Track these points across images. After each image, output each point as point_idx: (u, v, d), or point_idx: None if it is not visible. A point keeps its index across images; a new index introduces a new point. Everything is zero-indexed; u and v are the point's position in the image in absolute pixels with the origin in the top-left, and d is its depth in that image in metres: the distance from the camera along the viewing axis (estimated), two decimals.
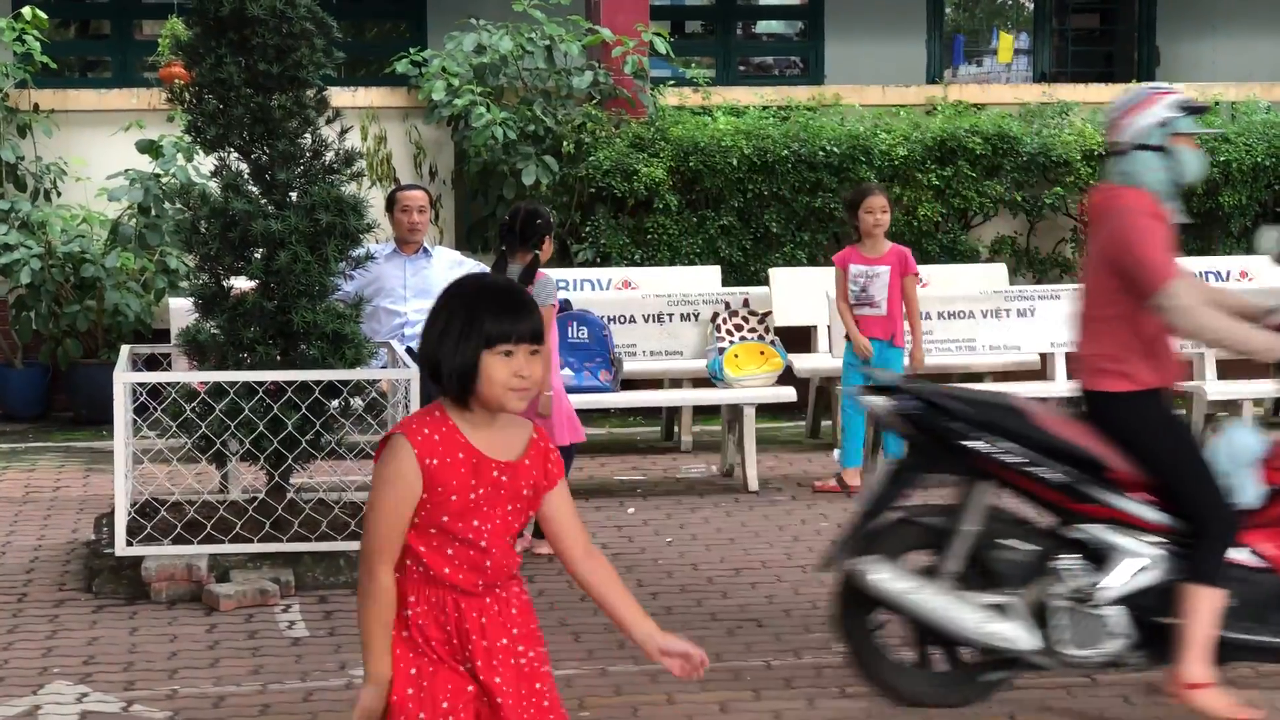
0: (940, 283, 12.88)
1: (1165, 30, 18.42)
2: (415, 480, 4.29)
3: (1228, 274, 13.39)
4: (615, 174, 13.51)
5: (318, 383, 8.73)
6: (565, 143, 13.52)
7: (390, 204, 11.28)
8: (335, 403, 8.84)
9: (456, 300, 4.34)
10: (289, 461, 8.95)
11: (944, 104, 14.53)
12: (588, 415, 12.93)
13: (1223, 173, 14.12)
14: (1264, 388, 12.35)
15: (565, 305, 11.39)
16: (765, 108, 14.32)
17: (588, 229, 13.61)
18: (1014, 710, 6.95)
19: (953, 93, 14.86)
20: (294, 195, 8.99)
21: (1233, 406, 11.26)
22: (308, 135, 9.05)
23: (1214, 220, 14.29)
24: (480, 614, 4.45)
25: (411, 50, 14.03)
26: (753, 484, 11.08)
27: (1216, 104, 14.71)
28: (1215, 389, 11.41)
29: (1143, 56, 18.66)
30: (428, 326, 4.38)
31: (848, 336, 10.69)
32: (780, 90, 14.93)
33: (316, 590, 8.73)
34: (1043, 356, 12.19)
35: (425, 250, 11.30)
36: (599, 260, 13.48)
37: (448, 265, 11.30)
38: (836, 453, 10.86)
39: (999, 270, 13.47)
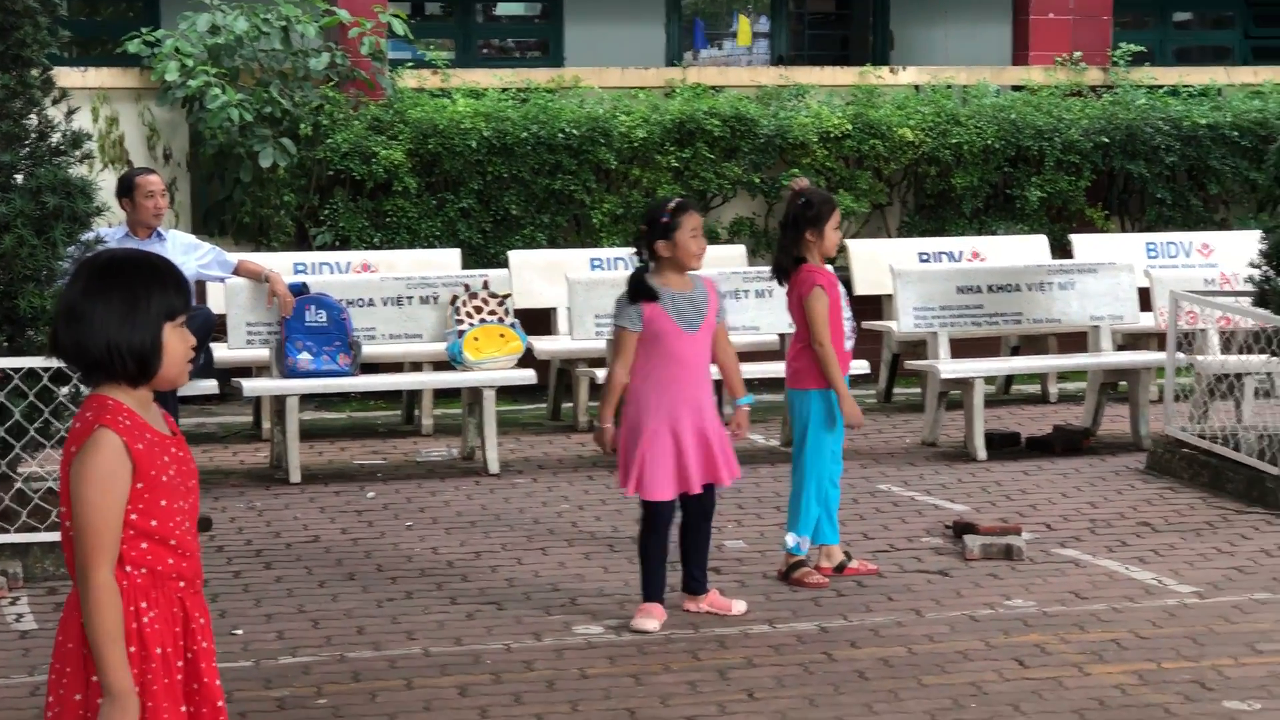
0: None
1: (899, 15, 18.70)
2: (128, 470, 4.17)
3: (960, 254, 13.63)
4: (354, 156, 13.38)
5: (46, 369, 8.54)
6: (303, 125, 13.35)
7: (126, 188, 11.10)
8: (64, 390, 8.65)
9: (109, 279, 4.18)
10: (16, 450, 8.74)
11: (682, 86, 14.60)
12: (327, 399, 12.84)
13: (955, 155, 14.36)
14: (995, 365, 12.61)
15: (303, 289, 11.27)
16: (505, 90, 14.27)
17: (326, 212, 13.46)
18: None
19: (691, 75, 14.94)
20: (19, 178, 8.78)
21: (965, 385, 11.46)
22: (33, 116, 8.85)
23: (947, 202, 14.54)
24: (200, 614, 4.34)
25: (144, 30, 13.75)
26: (493, 467, 11.06)
27: (949, 87, 14.96)
28: (948, 368, 11.61)
29: (877, 41, 18.92)
30: (80, 311, 4.16)
31: (830, 382, 8.62)
32: (519, 72, 14.90)
33: (46, 582, 8.54)
34: (781, 337, 12.30)
35: (159, 234, 11.15)
36: (337, 243, 13.34)
37: (182, 249, 11.14)
38: (795, 539, 8.67)
39: (738, 251, 13.57)
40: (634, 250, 8.01)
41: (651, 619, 7.88)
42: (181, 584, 4.29)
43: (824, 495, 8.67)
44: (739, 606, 8.10)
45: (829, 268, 8.97)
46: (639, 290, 7.85)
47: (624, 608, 8.13)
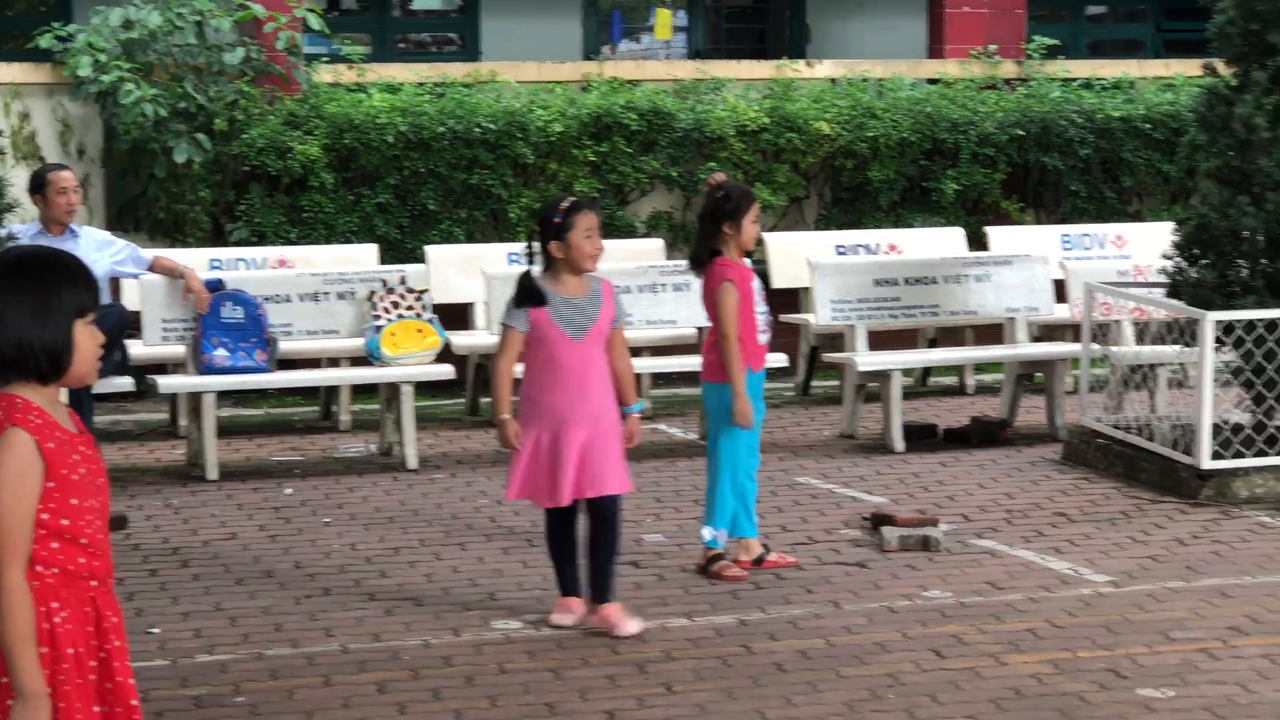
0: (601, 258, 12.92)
1: (815, 9, 18.72)
2: (39, 470, 4.14)
3: (877, 247, 13.68)
4: (269, 152, 13.32)
5: None
6: (218, 120, 13.28)
7: (38, 185, 11.03)
8: None
9: (19, 277, 4.16)
10: None
11: (599, 80, 14.59)
12: (244, 396, 12.77)
13: (871, 148, 14.42)
14: (912, 358, 12.67)
15: (219, 285, 11.21)
16: (421, 85, 14.24)
17: (242, 208, 13.39)
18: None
19: (608, 69, 14.93)
20: None
21: (882, 377, 11.50)
22: None
23: (864, 195, 14.59)
24: (112, 613, 4.32)
25: (56, 25, 13.64)
26: (411, 462, 11.03)
27: (865, 80, 15.02)
28: (865, 360, 11.66)
29: (793, 34, 18.95)
30: None
31: (729, 377, 8.54)
32: (436, 67, 14.85)
33: None
34: (700, 330, 12.32)
35: (72, 230, 11.08)
36: (254, 239, 13.27)
37: (96, 245, 11.07)
38: (711, 532, 8.68)
39: (655, 245, 13.58)
40: (526, 250, 7.77)
41: (569, 614, 7.85)
42: (93, 583, 4.26)
43: (740, 488, 8.69)
44: (630, 627, 7.70)
45: (747, 261, 8.99)
46: (525, 294, 7.69)
47: (543, 603, 8.13)
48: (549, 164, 13.89)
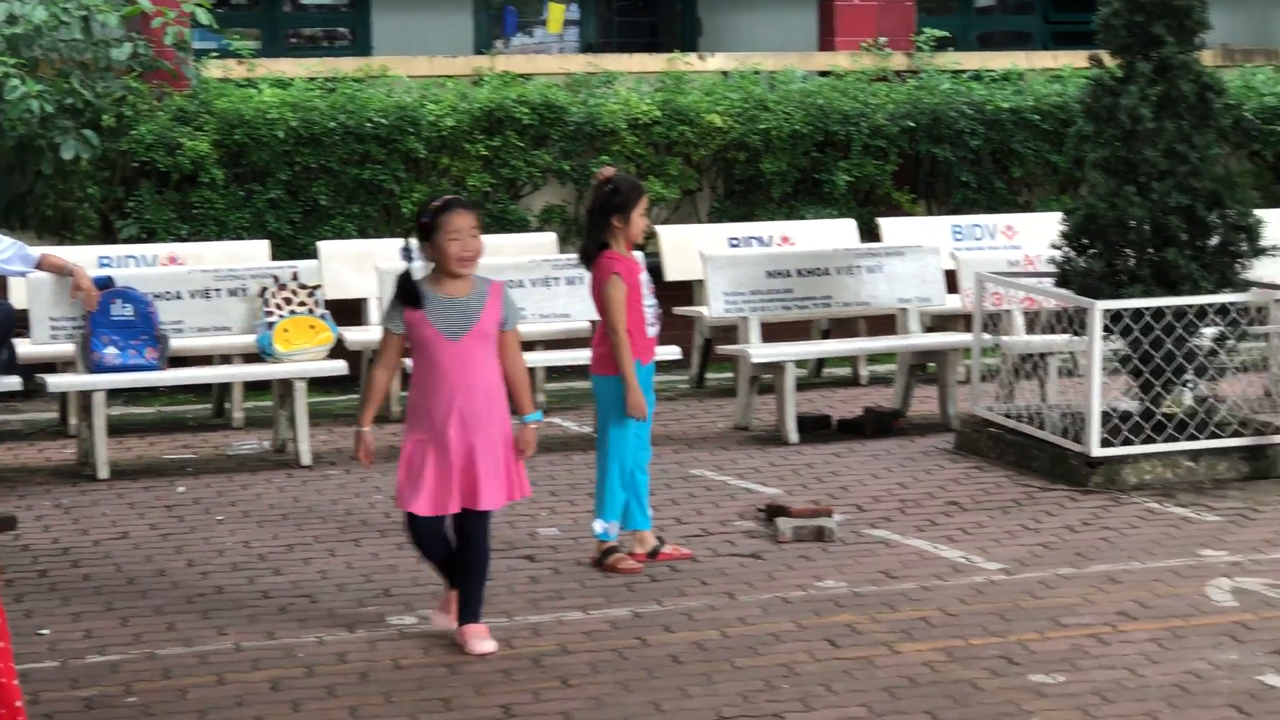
0: (490, 252, 12.82)
1: (706, 2, 18.80)
2: None
3: (770, 239, 13.72)
4: (159, 148, 13.22)
5: None
6: (105, 116, 13.16)
7: None
8: None
9: None
10: None
11: (491, 75, 14.56)
12: (135, 394, 12.67)
13: (763, 141, 14.46)
14: (805, 349, 12.71)
15: (108, 282, 11.11)
16: (312, 79, 14.15)
17: (131, 204, 13.27)
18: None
19: (499, 63, 14.90)
20: None
21: (776, 369, 11.54)
22: None
23: (756, 187, 14.63)
24: None
25: None
26: (305, 459, 10.98)
27: (757, 73, 15.06)
28: (759, 352, 11.69)
29: (685, 27, 19.01)
30: None
31: (620, 370, 8.59)
32: (327, 62, 14.78)
33: None
34: (593, 324, 12.31)
35: None
36: (143, 236, 13.16)
37: None
38: (603, 525, 8.72)
39: (548, 239, 13.57)
40: (402, 249, 7.45)
41: (444, 615, 7.72)
42: None
43: (629, 480, 8.70)
44: (483, 646, 7.44)
45: (638, 254, 9.00)
46: (400, 294, 7.46)
47: (438, 598, 8.11)
48: (441, 158, 13.85)
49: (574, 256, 12.03)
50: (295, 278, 11.47)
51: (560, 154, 14.16)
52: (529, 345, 12.40)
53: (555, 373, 13.21)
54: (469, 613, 7.53)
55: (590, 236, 8.73)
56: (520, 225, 14.05)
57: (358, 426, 7.59)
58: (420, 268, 7.52)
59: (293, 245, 13.34)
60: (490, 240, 13.08)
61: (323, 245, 12.97)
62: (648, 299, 8.71)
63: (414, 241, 7.47)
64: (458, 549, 7.56)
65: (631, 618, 7.91)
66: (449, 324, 7.41)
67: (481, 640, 7.46)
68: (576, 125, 14.14)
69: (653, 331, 8.77)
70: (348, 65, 14.61)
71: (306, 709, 6.81)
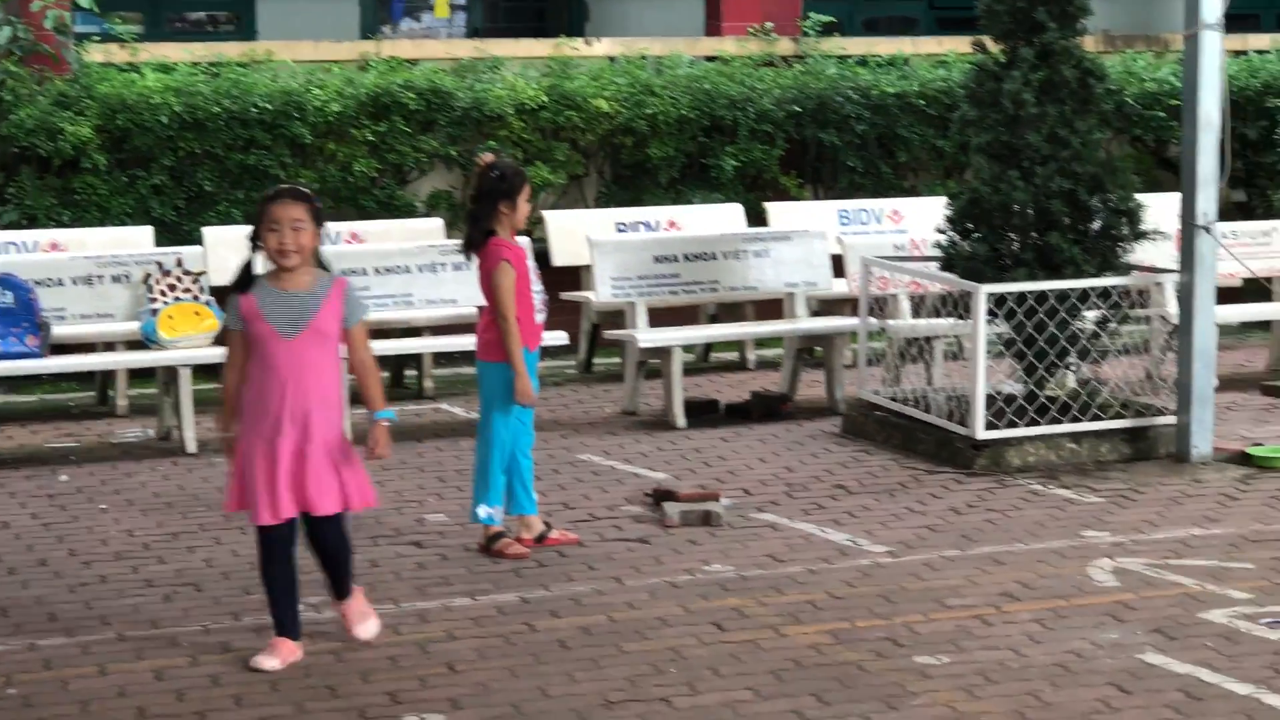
0: (376, 238, 12.88)
1: None
2: None
3: (657, 224, 13.73)
4: (39, 133, 13.07)
5: None
6: None
7: None
8: None
9: None
10: None
11: (377, 60, 14.49)
12: (17, 382, 12.52)
13: (650, 126, 14.46)
14: (693, 334, 12.73)
15: None
16: (196, 64, 14.04)
17: (11, 190, 13.12)
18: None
19: (386, 48, 14.84)
20: None
21: (663, 354, 11.56)
22: None
23: (644, 172, 14.64)
24: None
25: None
26: (190, 446, 10.89)
27: (644, 58, 15.06)
28: (646, 337, 11.70)
29: (572, 13, 18.98)
30: None
31: (509, 357, 8.57)
32: (211, 46, 14.66)
33: None
34: (480, 309, 12.28)
35: None
36: (24, 222, 13.01)
37: None
38: (486, 510, 8.67)
39: (435, 224, 13.52)
40: (250, 235, 7.13)
41: (273, 658, 7.10)
42: None
43: (513, 465, 8.69)
44: (367, 630, 7.35)
45: (523, 240, 8.98)
46: (239, 277, 7.17)
47: (322, 586, 8.08)
48: (327, 144, 13.77)
49: (460, 242, 12.04)
50: (180, 264, 11.38)
51: (447, 139, 14.11)
52: (415, 331, 12.40)
53: (443, 358, 13.17)
54: (342, 589, 7.37)
55: (476, 223, 8.70)
56: (407, 211, 14.00)
57: (222, 433, 7.29)
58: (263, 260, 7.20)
59: (177, 231, 13.23)
60: (377, 226, 13.20)
61: (208, 231, 12.86)
62: (535, 285, 8.70)
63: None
64: (316, 556, 7.30)
65: (519, 603, 7.90)
66: (284, 319, 7.04)
67: (365, 622, 7.37)
68: (463, 111, 14.09)
69: (540, 318, 8.76)
70: (232, 50, 14.50)
71: (190, 698, 6.76)
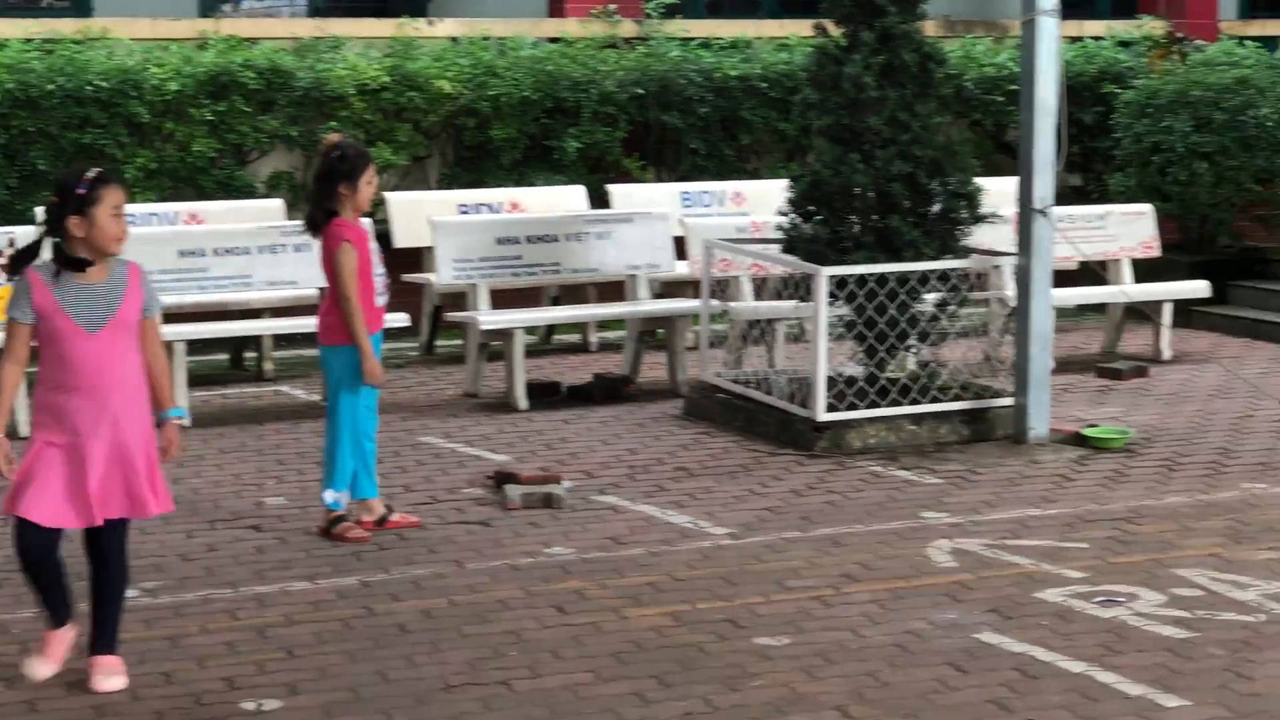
0: (216, 218, 12.73)
1: None
2: None
3: (500, 206, 13.68)
4: None
5: None
6: None
7: None
8: None
9: None
10: None
11: (216, 38, 14.32)
12: None
13: (493, 107, 14.40)
14: (535, 316, 12.70)
15: None
16: (29, 41, 13.79)
17: None
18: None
19: (225, 26, 14.66)
20: None
21: (505, 336, 11.51)
22: None
23: (486, 154, 14.58)
24: None
25: None
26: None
27: (486, 39, 14.99)
28: (488, 319, 11.65)
29: None
30: None
31: (354, 339, 8.48)
32: (44, 23, 14.41)
33: None
34: (321, 291, 12.18)
35: None
36: None
37: None
38: (333, 495, 8.59)
39: (276, 205, 13.38)
40: (41, 223, 6.66)
41: (45, 664, 6.73)
42: None
43: (360, 450, 8.63)
44: (111, 683, 6.62)
45: (365, 221, 8.91)
46: (21, 256, 6.62)
47: (161, 569, 7.99)
48: (165, 123, 13.59)
49: (301, 223, 11.93)
50: (12, 244, 11.18)
51: (288, 120, 13.98)
52: (256, 313, 12.28)
53: (284, 340, 13.06)
54: (105, 641, 6.71)
55: (318, 204, 8.62)
56: (247, 191, 13.85)
57: None
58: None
59: (10, 211, 13.00)
60: (217, 207, 13.07)
61: (41, 211, 12.61)
62: (377, 267, 8.63)
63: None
64: (92, 569, 6.74)
65: (359, 587, 7.84)
66: (86, 314, 6.53)
67: (111, 676, 6.66)
68: (304, 91, 13.96)
69: (381, 301, 8.69)
70: (67, 26, 14.26)
71: (19, 685, 6.63)
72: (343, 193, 8.50)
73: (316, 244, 8.74)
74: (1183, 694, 6.54)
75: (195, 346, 12.07)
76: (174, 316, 11.81)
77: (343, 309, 8.49)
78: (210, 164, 13.75)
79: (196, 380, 12.00)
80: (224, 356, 13.02)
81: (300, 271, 11.72)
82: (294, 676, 6.75)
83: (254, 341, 12.62)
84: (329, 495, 8.59)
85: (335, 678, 6.74)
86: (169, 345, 10.95)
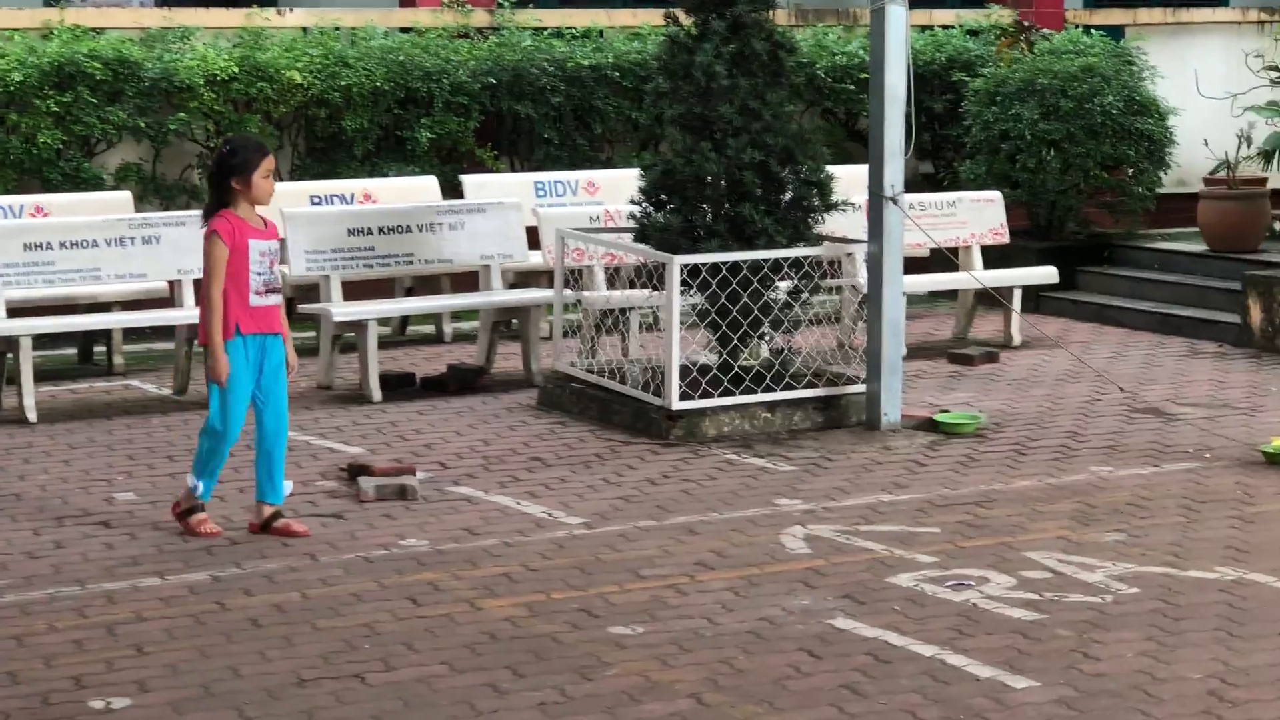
0: (62, 210, 12.55)
1: None
2: None
3: (352, 197, 13.60)
4: None
5: None
6: None
7: None
8: None
9: None
10: None
11: (61, 28, 14.12)
12: None
13: (345, 98, 14.31)
14: (388, 307, 12.64)
15: None
16: None
17: None
18: None
19: (70, 16, 14.45)
20: None
21: (358, 328, 11.44)
22: None
23: (338, 144, 14.48)
24: None
25: None
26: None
27: (337, 29, 14.89)
28: (340, 311, 11.58)
29: None
30: None
31: (206, 333, 8.38)
32: None
33: None
34: (171, 284, 12.08)
35: None
36: None
37: None
38: (194, 480, 8.53)
39: (124, 198, 13.22)
40: None
41: None
42: None
43: (261, 455, 8.50)
44: None
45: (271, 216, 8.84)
46: None
47: (6, 568, 7.88)
48: (9, 114, 13.39)
49: (151, 215, 11.82)
50: None
51: (135, 111, 13.81)
52: (104, 306, 12.14)
53: (133, 334, 12.91)
54: None
55: (210, 200, 8.55)
56: (95, 184, 13.66)
57: None
58: None
59: None
60: (63, 199, 12.89)
61: None
62: (259, 265, 8.43)
63: None
64: None
65: (210, 582, 7.77)
66: None
67: None
68: (152, 81, 13.80)
69: (263, 300, 8.46)
70: None
71: None
72: (235, 187, 8.40)
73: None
74: (1031, 675, 6.61)
75: (42, 341, 11.92)
76: (20, 310, 11.66)
77: (201, 299, 8.41)
78: (56, 156, 13.57)
79: (44, 375, 11.85)
80: (72, 351, 12.85)
81: (150, 265, 11.59)
82: (144, 674, 6.67)
83: (103, 335, 12.47)
84: (190, 479, 8.49)
85: (186, 674, 6.67)
86: (14, 340, 10.81)
